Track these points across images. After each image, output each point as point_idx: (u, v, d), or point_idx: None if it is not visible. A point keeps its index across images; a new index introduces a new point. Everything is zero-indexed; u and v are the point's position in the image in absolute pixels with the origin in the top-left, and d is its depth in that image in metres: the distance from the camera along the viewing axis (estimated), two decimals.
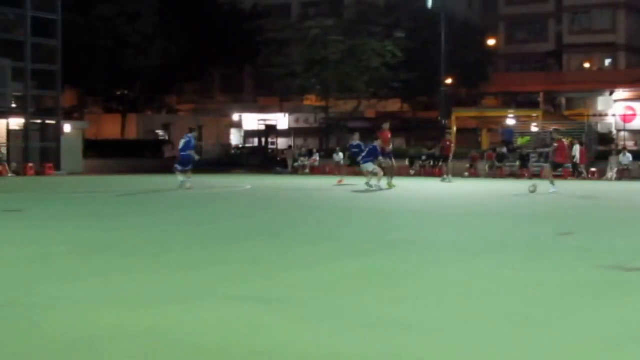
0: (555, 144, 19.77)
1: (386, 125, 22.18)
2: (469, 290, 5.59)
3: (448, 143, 26.85)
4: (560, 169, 21.09)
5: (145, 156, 42.45)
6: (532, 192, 17.97)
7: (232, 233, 9.52)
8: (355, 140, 23.59)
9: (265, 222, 11.19)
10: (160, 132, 50.91)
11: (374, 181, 20.75)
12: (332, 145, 44.87)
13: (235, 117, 58.93)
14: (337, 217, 11.96)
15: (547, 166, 21.29)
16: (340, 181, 24.32)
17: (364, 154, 21.00)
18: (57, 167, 34.75)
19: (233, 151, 55.97)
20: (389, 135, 22.10)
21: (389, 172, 22.16)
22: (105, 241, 8.51)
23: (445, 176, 26.22)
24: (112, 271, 6.38)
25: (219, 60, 50.72)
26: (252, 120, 55.74)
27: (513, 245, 8.40)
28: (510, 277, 6.17)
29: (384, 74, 40.24)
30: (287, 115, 56.65)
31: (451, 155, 26.61)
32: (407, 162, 34.29)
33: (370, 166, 20.71)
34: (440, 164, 29.35)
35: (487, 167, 32.76)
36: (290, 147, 42.95)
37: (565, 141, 21.35)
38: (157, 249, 7.82)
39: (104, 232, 9.50)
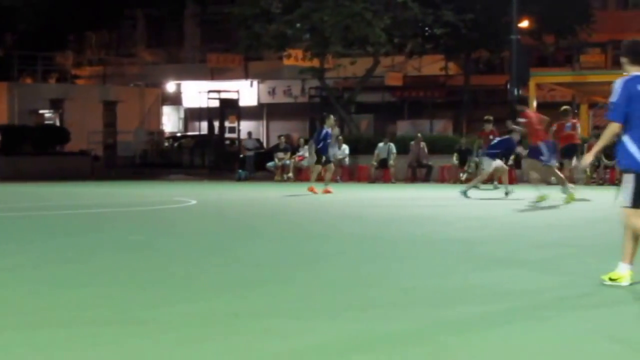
0: None
1: (488, 126, 26.36)
2: None
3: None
4: None
5: (22, 152, 42.21)
6: None
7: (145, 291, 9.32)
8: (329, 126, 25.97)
9: (223, 265, 11.01)
10: (47, 113, 50.67)
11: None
12: None
13: (170, 86, 58.67)
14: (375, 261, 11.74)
15: None
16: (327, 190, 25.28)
17: (495, 141, 23.93)
18: None
19: (167, 143, 55.64)
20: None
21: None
22: None
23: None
24: None
25: None
26: (198, 93, 55.50)
27: None
28: None
29: (416, 13, 40.07)
30: (255, 83, 56.45)
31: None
32: (454, 159, 33.95)
33: (489, 162, 23.26)
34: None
35: (587, 170, 32.19)
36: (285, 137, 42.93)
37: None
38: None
39: None
